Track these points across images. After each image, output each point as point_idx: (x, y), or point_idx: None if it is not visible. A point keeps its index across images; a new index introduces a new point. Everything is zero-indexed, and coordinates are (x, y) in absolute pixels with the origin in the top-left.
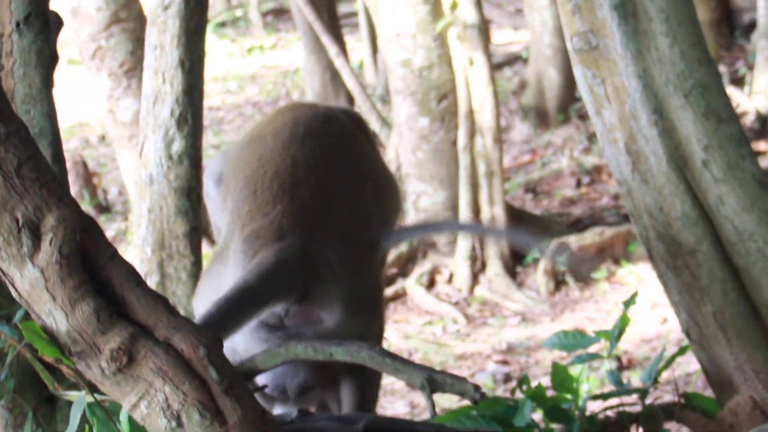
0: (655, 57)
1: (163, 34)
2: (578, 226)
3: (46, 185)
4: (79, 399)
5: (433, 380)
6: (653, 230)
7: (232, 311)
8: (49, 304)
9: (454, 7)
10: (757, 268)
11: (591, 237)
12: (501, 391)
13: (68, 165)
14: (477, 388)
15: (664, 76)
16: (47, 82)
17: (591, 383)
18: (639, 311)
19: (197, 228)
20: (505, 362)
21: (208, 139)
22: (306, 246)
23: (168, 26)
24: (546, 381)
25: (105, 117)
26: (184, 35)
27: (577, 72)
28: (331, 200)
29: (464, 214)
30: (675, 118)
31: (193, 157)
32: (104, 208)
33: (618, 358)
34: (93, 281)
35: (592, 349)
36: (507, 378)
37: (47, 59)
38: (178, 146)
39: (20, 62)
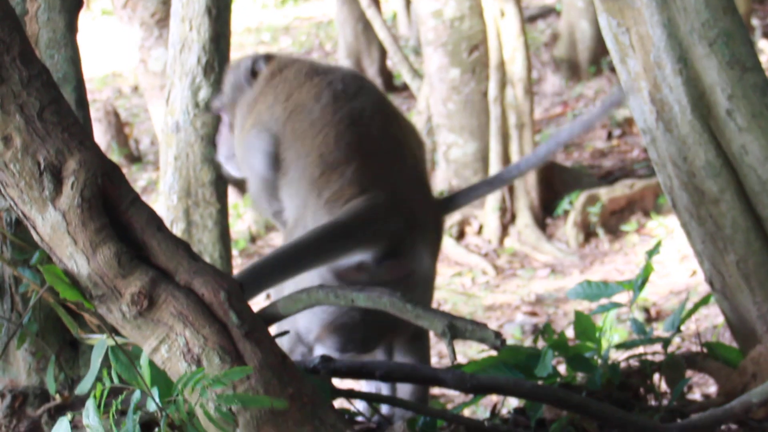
0: (680, 5)
1: None
2: (609, 178)
3: (68, 129)
4: (100, 342)
5: (454, 327)
6: (677, 179)
7: (324, 245)
8: (71, 247)
9: None
10: None
11: (621, 189)
12: (529, 342)
13: (100, 115)
14: (498, 335)
15: (689, 25)
16: (71, 27)
17: (619, 335)
18: (668, 263)
19: (223, 176)
20: (533, 313)
21: None
22: (390, 198)
23: None
24: (569, 333)
25: (137, 67)
26: None
27: (602, 20)
28: (396, 151)
29: (494, 165)
30: (699, 67)
31: None
32: (135, 158)
33: (646, 310)
34: (114, 225)
35: (618, 299)
36: (535, 329)
37: (72, 4)
38: (204, 94)
39: (44, 6)
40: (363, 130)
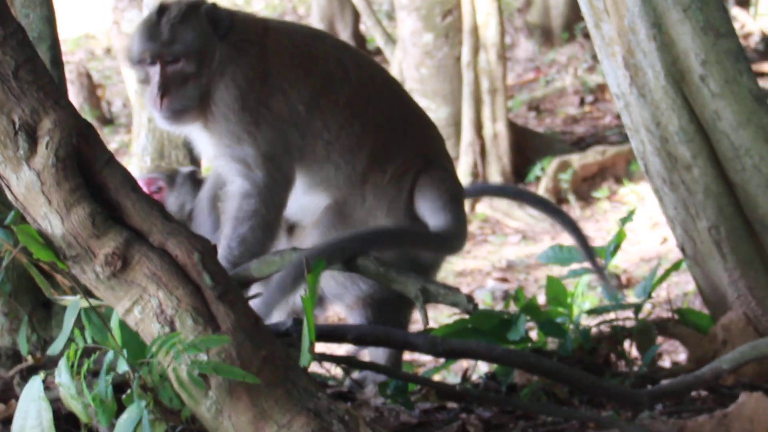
0: None
1: None
2: (581, 144)
3: (43, 88)
4: (73, 303)
5: (426, 290)
6: (650, 145)
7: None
8: (45, 207)
9: None
10: (752, 183)
11: (593, 156)
12: (500, 308)
13: (73, 77)
14: (470, 299)
15: None
16: None
17: (590, 301)
18: (639, 231)
19: None
20: (504, 279)
21: None
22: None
23: None
24: (540, 298)
25: (110, 29)
26: None
27: None
28: (416, 109)
29: (466, 130)
30: (673, 33)
31: None
32: (108, 120)
33: (617, 277)
34: (89, 185)
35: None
36: (506, 295)
37: None
38: None
39: None
40: (396, 95)
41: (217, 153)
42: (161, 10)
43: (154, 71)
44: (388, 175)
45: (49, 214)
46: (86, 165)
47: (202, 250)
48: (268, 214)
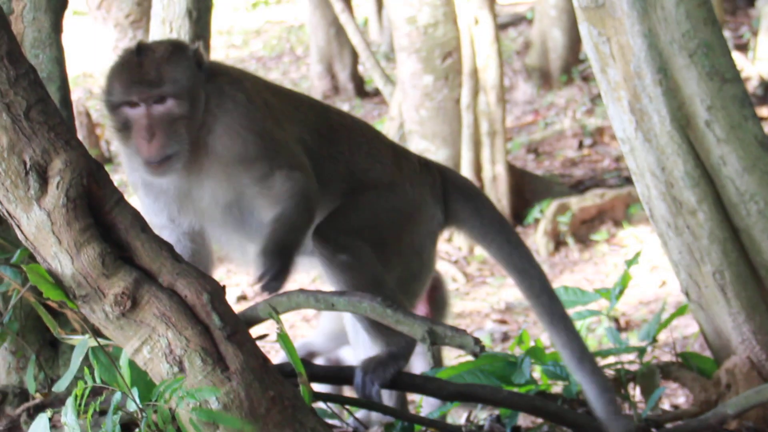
0: (660, 16)
1: None
2: (579, 187)
3: (54, 129)
4: (81, 342)
5: (433, 332)
6: (655, 189)
7: None
8: (55, 247)
9: None
10: (757, 229)
11: (592, 199)
12: (498, 350)
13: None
14: (477, 341)
15: (670, 36)
16: (57, 27)
17: (588, 344)
18: (638, 274)
19: None
20: (503, 321)
21: None
22: None
23: None
24: (545, 340)
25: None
26: None
27: (583, 29)
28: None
29: (466, 172)
30: (679, 78)
31: None
32: (106, 159)
33: (616, 320)
34: (99, 225)
35: (590, 308)
36: (505, 337)
37: (57, 4)
38: None
39: (30, 6)
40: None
41: (237, 188)
42: (141, 49)
43: (138, 114)
44: (414, 164)
45: (59, 254)
46: (96, 205)
47: (211, 290)
48: (311, 200)
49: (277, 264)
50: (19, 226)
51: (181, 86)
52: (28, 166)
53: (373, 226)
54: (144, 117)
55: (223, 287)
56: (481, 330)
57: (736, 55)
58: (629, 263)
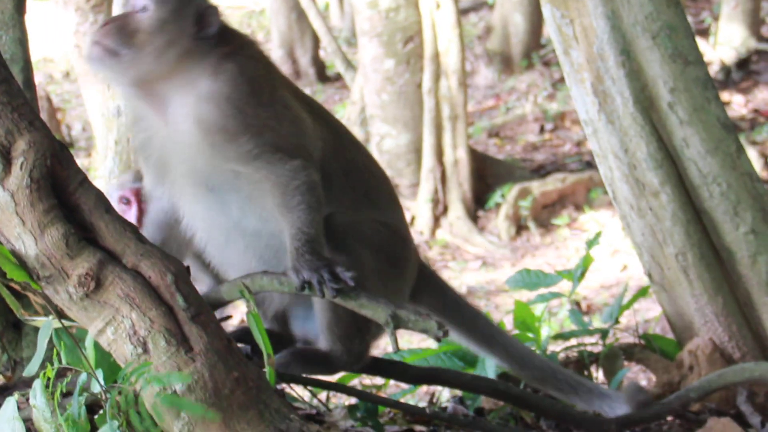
0: None
1: None
2: (541, 171)
3: (18, 109)
4: (46, 324)
5: (397, 316)
6: (618, 171)
7: None
8: (19, 228)
9: None
10: (719, 210)
11: (553, 183)
12: None
13: None
14: (441, 325)
15: (633, 18)
16: (20, 8)
17: (550, 327)
18: (599, 258)
19: None
20: None
21: None
22: None
23: None
24: (508, 323)
25: (71, 52)
26: None
27: (546, 11)
28: None
29: (427, 156)
30: (642, 60)
31: None
32: (68, 144)
33: (578, 304)
34: (62, 206)
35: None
36: None
37: None
38: None
39: None
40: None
41: (226, 155)
42: None
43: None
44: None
45: (23, 235)
46: (60, 186)
47: (176, 271)
48: (316, 191)
49: (323, 264)
50: None
51: (169, 10)
52: None
53: (373, 243)
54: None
55: (187, 268)
56: None
57: (698, 40)
58: (590, 244)
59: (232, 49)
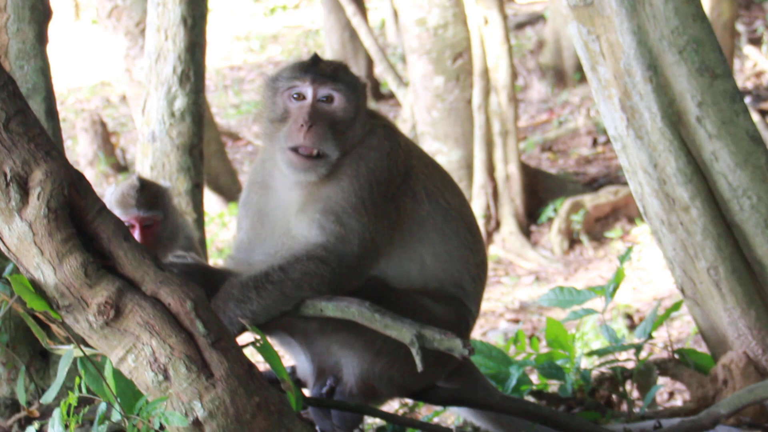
0: (649, 13)
1: None
2: (593, 185)
3: (35, 139)
4: (67, 352)
5: (422, 336)
6: (647, 187)
7: None
8: (37, 257)
9: None
10: (750, 223)
11: (605, 196)
12: (513, 350)
13: (87, 124)
14: (466, 344)
15: (659, 33)
16: (41, 38)
17: (601, 342)
18: (651, 270)
19: (199, 185)
20: (517, 321)
21: (229, 98)
22: None
23: None
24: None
25: (122, 76)
26: None
27: (572, 28)
28: None
29: (478, 172)
30: (669, 74)
31: (195, 114)
32: (122, 167)
33: (629, 317)
34: (81, 235)
35: (599, 305)
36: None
37: (41, 15)
38: (180, 103)
39: (14, 18)
40: None
41: (313, 208)
42: (317, 56)
43: (302, 105)
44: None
45: (42, 265)
46: (78, 215)
47: (195, 298)
48: (314, 286)
49: (233, 311)
50: (1, 238)
51: (351, 91)
52: (8, 178)
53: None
54: (308, 107)
55: (207, 295)
56: (495, 329)
57: (750, 49)
58: (622, 259)
59: (378, 127)
